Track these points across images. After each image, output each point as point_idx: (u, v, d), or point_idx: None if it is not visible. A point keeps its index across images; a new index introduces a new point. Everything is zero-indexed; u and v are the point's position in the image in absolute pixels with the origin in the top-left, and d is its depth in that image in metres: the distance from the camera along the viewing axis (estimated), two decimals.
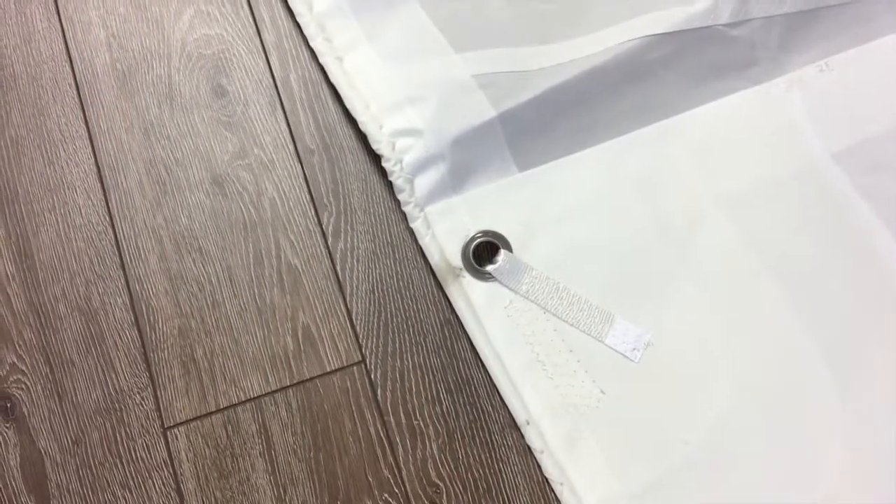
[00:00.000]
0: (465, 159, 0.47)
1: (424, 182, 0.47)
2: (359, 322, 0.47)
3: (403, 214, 0.48)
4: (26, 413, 0.45)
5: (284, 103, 0.51)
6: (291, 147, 0.50)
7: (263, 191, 0.49)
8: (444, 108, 0.47)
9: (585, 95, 0.48)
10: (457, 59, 0.49)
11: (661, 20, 0.49)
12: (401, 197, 0.47)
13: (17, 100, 0.51)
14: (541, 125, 0.48)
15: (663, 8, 0.49)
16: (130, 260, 0.48)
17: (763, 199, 0.48)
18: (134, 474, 0.44)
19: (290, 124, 0.50)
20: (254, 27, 0.52)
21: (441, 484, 0.44)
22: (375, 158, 0.49)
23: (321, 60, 0.49)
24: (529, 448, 0.44)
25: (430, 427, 0.45)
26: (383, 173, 0.48)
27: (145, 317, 0.47)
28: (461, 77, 0.48)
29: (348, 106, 0.48)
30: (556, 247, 0.47)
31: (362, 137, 0.49)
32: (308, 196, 0.49)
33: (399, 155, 0.46)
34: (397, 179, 0.46)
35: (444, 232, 0.46)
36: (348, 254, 0.48)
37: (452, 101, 0.47)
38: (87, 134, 0.50)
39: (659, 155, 0.49)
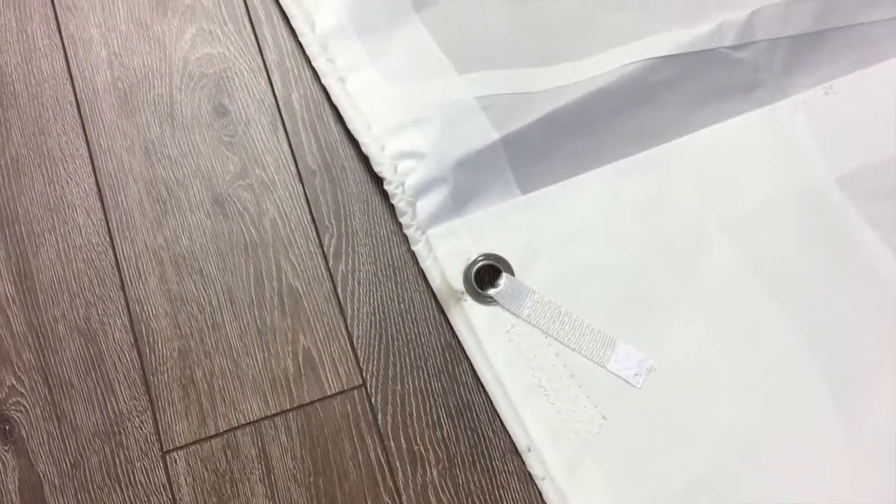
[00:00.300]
0: (468, 182, 0.47)
1: (426, 205, 0.46)
2: (359, 345, 0.47)
3: (405, 236, 0.48)
4: (25, 435, 0.45)
5: (286, 123, 0.51)
6: (293, 167, 0.50)
7: (265, 211, 0.49)
8: (446, 130, 0.47)
9: (588, 118, 0.48)
10: (460, 81, 0.48)
11: (665, 42, 0.48)
12: (403, 220, 0.46)
13: (17, 118, 0.51)
14: (544, 147, 0.48)
15: (667, 30, 0.49)
16: (130, 281, 0.48)
17: (767, 222, 0.48)
18: (133, 499, 0.44)
19: (292, 144, 0.50)
20: (256, 46, 0.52)
21: None
22: (377, 180, 0.48)
23: (324, 81, 0.49)
24: (530, 475, 0.44)
25: (431, 452, 0.45)
26: (385, 195, 0.48)
27: (145, 338, 0.46)
28: (464, 99, 0.48)
29: (350, 128, 0.48)
30: (559, 270, 0.47)
31: (364, 158, 0.49)
32: (309, 217, 0.49)
33: (401, 178, 0.46)
34: (399, 202, 0.46)
35: (445, 255, 0.46)
36: (349, 276, 0.48)
37: (455, 123, 0.47)
38: (87, 153, 0.50)
39: (662, 178, 0.48)
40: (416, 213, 0.46)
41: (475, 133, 0.47)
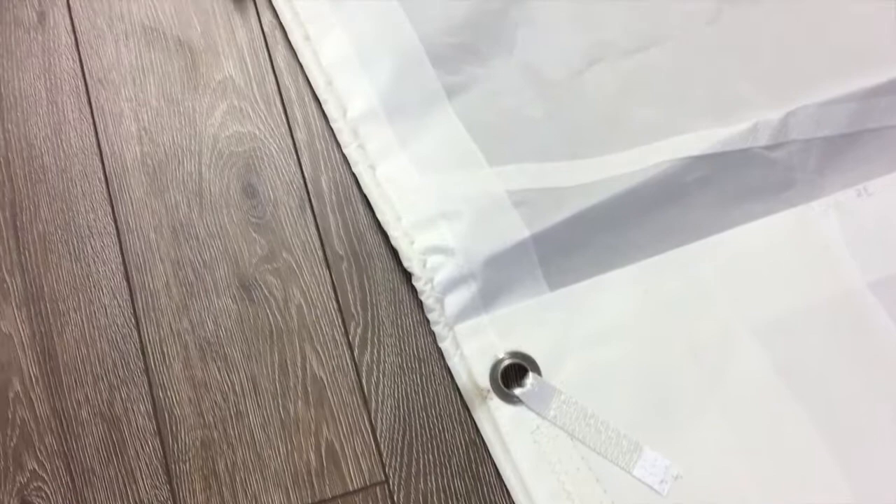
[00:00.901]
0: (497, 278, 0.46)
1: (454, 301, 0.46)
2: (383, 439, 0.46)
3: (430, 328, 0.47)
4: None
5: (314, 206, 0.50)
6: (320, 252, 0.50)
7: (291, 297, 0.49)
8: (477, 226, 0.47)
9: (620, 215, 0.47)
10: (490, 173, 0.48)
11: (699, 140, 0.48)
12: (431, 316, 0.46)
13: (45, 193, 0.50)
14: (574, 244, 0.47)
15: (699, 127, 0.49)
16: (155, 365, 0.47)
17: (797, 326, 0.47)
18: None
19: (320, 228, 0.50)
20: (286, 126, 0.52)
21: None
22: (404, 268, 0.48)
23: (354, 169, 0.49)
24: None
25: None
26: (411, 284, 0.48)
27: (168, 426, 0.46)
28: (495, 193, 0.48)
29: (380, 219, 0.48)
30: (586, 370, 0.46)
31: (391, 246, 0.48)
32: (335, 305, 0.49)
33: (430, 273, 0.46)
34: (427, 299, 0.46)
35: (472, 352, 0.46)
36: (374, 367, 0.48)
37: (486, 219, 0.47)
38: (115, 231, 0.50)
39: (692, 277, 0.48)
40: (444, 309, 0.46)
41: (506, 230, 0.47)
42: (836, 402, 0.46)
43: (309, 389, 0.47)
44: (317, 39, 0.51)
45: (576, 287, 0.47)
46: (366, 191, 0.48)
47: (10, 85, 0.53)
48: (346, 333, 0.48)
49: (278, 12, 0.52)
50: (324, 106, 0.50)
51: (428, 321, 0.47)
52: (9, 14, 0.54)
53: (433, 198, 0.48)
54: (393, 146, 0.49)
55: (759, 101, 0.49)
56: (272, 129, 0.52)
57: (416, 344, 0.48)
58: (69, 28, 0.54)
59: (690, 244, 0.48)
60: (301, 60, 0.51)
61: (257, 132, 0.52)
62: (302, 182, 0.51)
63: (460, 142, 0.49)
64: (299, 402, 0.47)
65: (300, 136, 0.52)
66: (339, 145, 0.51)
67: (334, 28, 0.51)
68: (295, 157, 0.51)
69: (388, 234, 0.47)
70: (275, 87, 0.52)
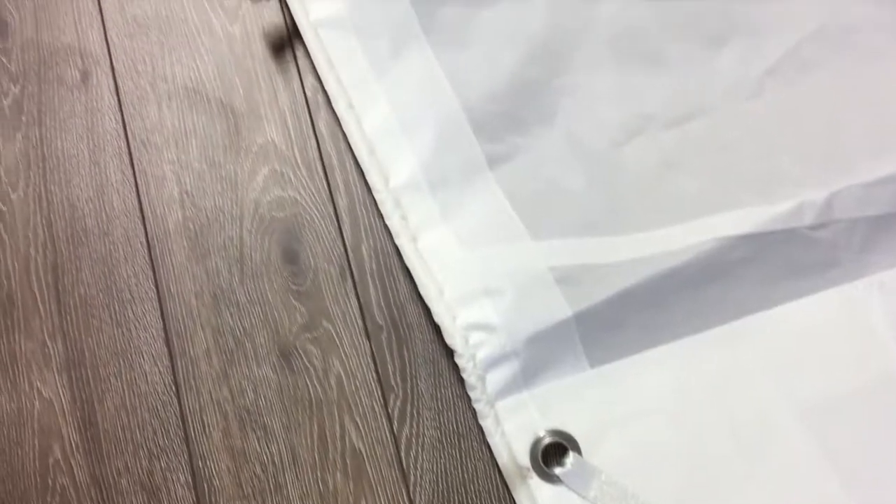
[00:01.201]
0: (538, 356, 0.46)
1: (496, 378, 0.46)
2: None
3: (470, 401, 0.47)
4: None
5: (355, 274, 0.50)
6: (360, 322, 0.50)
7: (330, 367, 0.49)
8: (519, 303, 0.47)
9: (662, 293, 0.47)
10: (533, 248, 0.48)
11: (744, 219, 0.48)
12: (472, 394, 0.46)
13: (87, 256, 0.51)
14: (615, 321, 0.47)
15: (744, 203, 0.48)
16: (195, 434, 0.47)
17: (842, 408, 0.47)
18: None
19: (360, 297, 0.50)
20: (327, 192, 0.52)
21: None
22: (444, 340, 0.48)
23: (396, 241, 0.49)
24: None
25: None
26: (451, 356, 0.48)
27: (207, 498, 0.46)
28: (538, 269, 0.47)
29: (422, 292, 0.48)
30: (626, 449, 0.46)
31: (431, 317, 0.48)
32: (375, 376, 0.49)
33: (472, 350, 0.46)
34: (469, 377, 0.46)
35: (513, 430, 0.46)
36: (413, 440, 0.47)
37: (528, 295, 0.47)
38: (156, 296, 0.50)
39: (734, 356, 0.48)
40: (485, 387, 0.46)
41: (548, 307, 0.46)
42: (883, 487, 0.45)
43: (348, 462, 0.47)
44: (360, 107, 0.51)
45: (617, 364, 0.47)
46: (408, 263, 0.48)
47: (52, 145, 0.53)
48: (385, 405, 0.48)
49: (322, 80, 0.52)
50: (366, 175, 0.50)
51: (468, 395, 0.47)
52: (52, 73, 0.55)
53: (476, 272, 0.48)
54: (435, 217, 0.49)
55: (802, 177, 0.49)
56: (313, 195, 0.52)
57: (456, 418, 0.48)
58: (112, 88, 0.54)
59: (733, 322, 0.48)
60: (344, 128, 0.52)
61: (298, 197, 0.52)
62: (343, 250, 0.51)
63: (502, 213, 0.49)
64: (338, 475, 0.47)
65: (341, 202, 0.52)
66: (379, 213, 0.51)
67: (378, 96, 0.51)
68: (336, 223, 0.51)
69: (431, 308, 0.47)
70: (316, 153, 0.53)
